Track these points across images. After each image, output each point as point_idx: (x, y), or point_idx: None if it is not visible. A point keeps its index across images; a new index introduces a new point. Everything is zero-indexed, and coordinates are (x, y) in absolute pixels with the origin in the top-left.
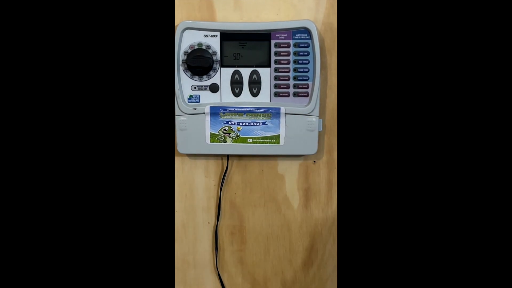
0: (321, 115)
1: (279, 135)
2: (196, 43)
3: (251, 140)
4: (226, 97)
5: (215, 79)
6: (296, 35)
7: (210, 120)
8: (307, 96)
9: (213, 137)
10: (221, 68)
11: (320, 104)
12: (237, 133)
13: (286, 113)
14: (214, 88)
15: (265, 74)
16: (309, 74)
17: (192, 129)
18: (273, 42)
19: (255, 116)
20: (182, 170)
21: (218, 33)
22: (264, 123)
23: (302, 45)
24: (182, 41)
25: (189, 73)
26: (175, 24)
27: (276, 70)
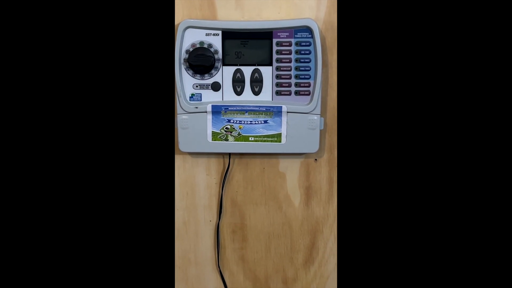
0: (322, 113)
1: (280, 133)
2: (198, 42)
3: (252, 139)
4: (227, 95)
5: (216, 77)
6: (298, 33)
7: (212, 118)
8: (308, 94)
9: (215, 136)
10: (223, 66)
11: (321, 103)
12: (238, 132)
13: (287, 112)
14: (215, 87)
15: (267, 72)
16: (311, 72)
17: (194, 128)
18: (274, 40)
19: (256, 114)
20: (184, 168)
21: (219, 32)
22: (265, 122)
23: (304, 43)
24: (183, 40)
25: (191, 72)
26: (176, 23)
27: (277, 68)
